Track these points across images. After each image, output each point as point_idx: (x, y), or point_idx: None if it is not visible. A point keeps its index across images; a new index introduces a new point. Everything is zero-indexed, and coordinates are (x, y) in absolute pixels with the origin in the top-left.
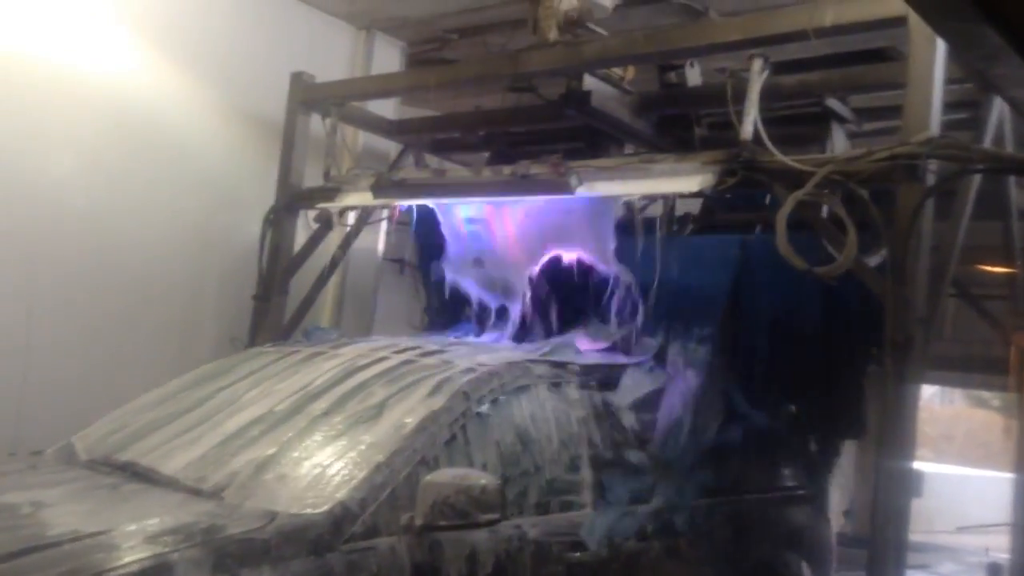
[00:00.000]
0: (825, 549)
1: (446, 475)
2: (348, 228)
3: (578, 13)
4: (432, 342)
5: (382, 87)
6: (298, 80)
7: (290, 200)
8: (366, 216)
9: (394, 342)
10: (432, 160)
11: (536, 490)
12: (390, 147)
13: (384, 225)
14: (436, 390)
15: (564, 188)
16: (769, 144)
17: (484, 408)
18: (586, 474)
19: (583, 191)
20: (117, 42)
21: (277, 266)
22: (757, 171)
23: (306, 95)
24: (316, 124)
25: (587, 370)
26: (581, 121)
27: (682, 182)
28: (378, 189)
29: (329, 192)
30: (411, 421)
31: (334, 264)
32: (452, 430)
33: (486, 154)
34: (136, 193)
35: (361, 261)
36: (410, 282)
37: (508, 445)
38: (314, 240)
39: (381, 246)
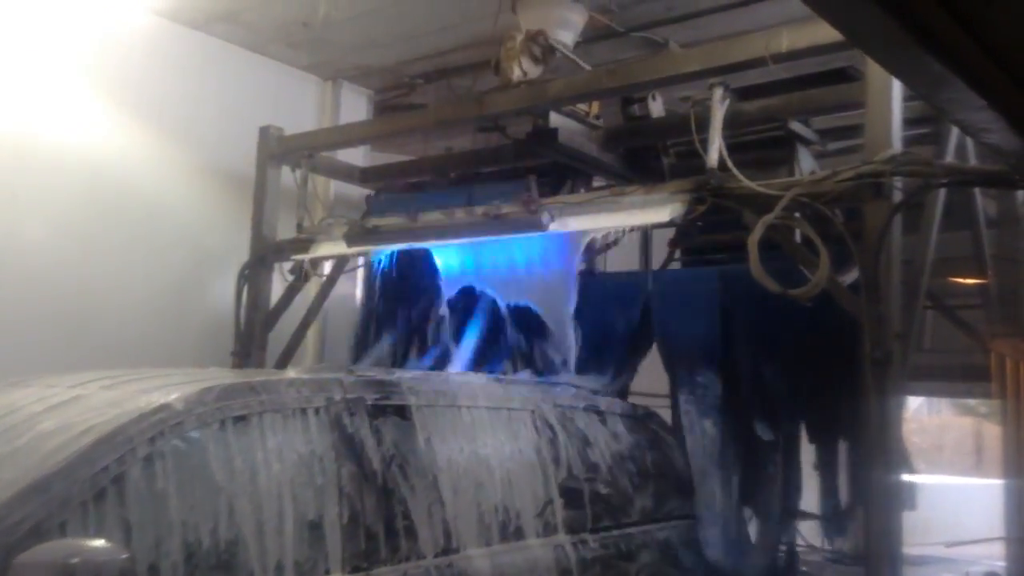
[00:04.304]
0: None
1: (48, 551)
2: (324, 278)
3: (540, 51)
4: (177, 372)
5: (350, 136)
6: (266, 134)
7: (264, 254)
8: (342, 265)
9: (116, 372)
10: None
11: (247, 557)
12: (363, 194)
13: (361, 272)
14: (85, 434)
15: (536, 225)
16: (735, 170)
17: (160, 452)
18: (334, 530)
19: (555, 227)
20: (85, 106)
21: (255, 321)
22: (726, 197)
23: (275, 148)
24: (287, 176)
25: (366, 389)
26: (550, 158)
27: (652, 213)
28: (351, 237)
29: (303, 243)
30: (25, 479)
31: (312, 315)
32: (98, 486)
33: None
34: (109, 256)
35: (340, 310)
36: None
37: (203, 501)
38: (290, 292)
39: (359, 294)
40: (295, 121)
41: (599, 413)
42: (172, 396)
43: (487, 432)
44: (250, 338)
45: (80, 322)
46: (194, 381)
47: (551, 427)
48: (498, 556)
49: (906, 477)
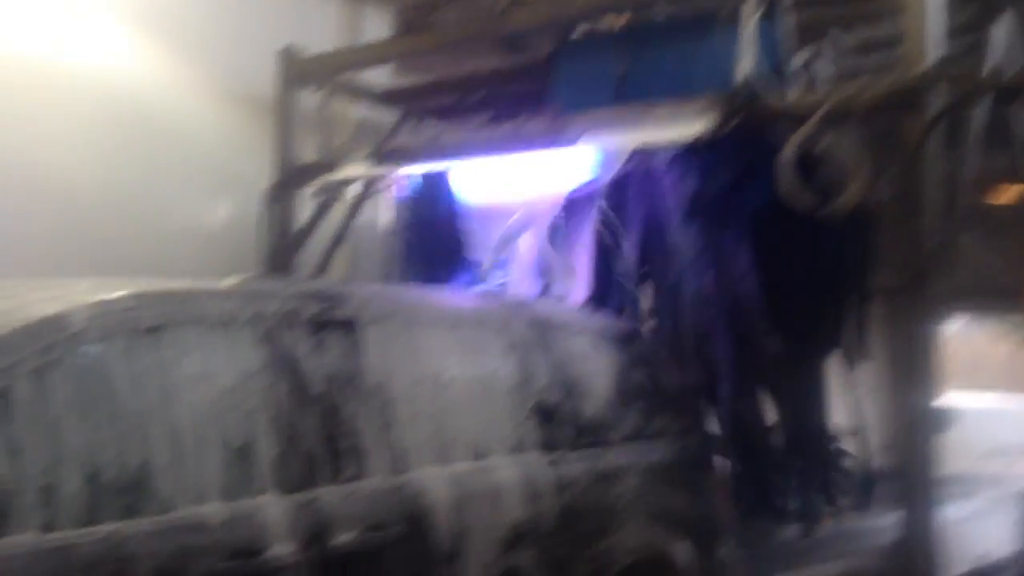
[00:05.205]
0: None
1: None
2: (350, 201)
3: None
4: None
5: (372, 56)
6: (287, 55)
7: (288, 177)
8: (367, 188)
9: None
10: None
11: (158, 481)
12: (386, 117)
13: (389, 194)
14: None
15: (563, 140)
16: (770, 82)
17: (52, 367)
18: (266, 451)
19: (583, 142)
20: (104, 32)
21: (281, 246)
22: (758, 112)
23: (296, 69)
24: (309, 98)
25: (305, 301)
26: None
27: (682, 127)
28: (376, 158)
29: (327, 166)
30: None
31: (339, 239)
32: None
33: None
34: (132, 182)
35: (367, 234)
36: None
37: (104, 421)
38: (317, 215)
39: (385, 217)
40: (316, 42)
41: (578, 328)
42: (69, 304)
43: (449, 349)
44: (276, 263)
45: (102, 249)
46: (103, 289)
47: (523, 343)
48: (459, 476)
49: (939, 399)
